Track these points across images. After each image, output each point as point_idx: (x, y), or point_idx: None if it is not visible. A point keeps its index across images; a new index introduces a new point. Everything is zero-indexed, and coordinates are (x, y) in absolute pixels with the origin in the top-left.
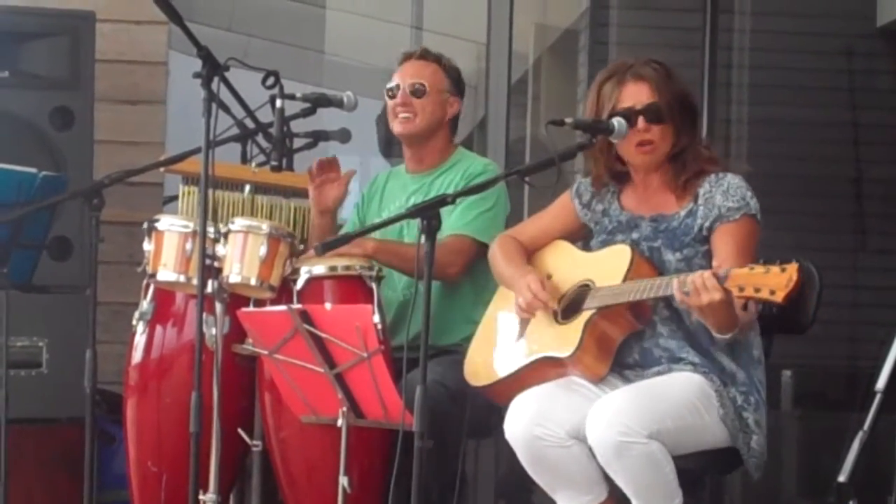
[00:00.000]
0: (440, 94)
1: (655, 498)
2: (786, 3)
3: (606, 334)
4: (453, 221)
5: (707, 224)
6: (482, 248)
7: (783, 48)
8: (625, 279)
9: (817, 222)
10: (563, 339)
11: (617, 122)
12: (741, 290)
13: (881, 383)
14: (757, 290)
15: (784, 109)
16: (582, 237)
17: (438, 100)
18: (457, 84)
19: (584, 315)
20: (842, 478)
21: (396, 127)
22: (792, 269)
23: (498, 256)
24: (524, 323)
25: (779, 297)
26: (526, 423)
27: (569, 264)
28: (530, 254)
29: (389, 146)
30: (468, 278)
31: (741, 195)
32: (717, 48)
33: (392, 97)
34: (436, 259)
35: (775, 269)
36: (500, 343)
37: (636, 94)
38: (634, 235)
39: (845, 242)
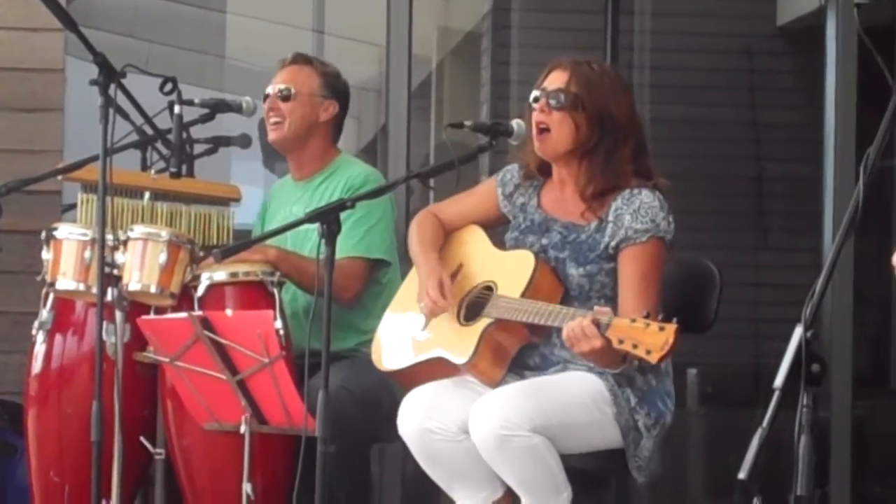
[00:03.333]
0: (310, 97)
1: (541, 491)
2: (686, 3)
3: (502, 344)
4: (343, 243)
5: (613, 243)
6: (376, 263)
7: (684, 48)
8: (523, 293)
9: (719, 221)
10: (461, 344)
11: (516, 124)
12: (620, 342)
13: (779, 380)
14: (634, 347)
15: (685, 109)
16: (503, 224)
17: (308, 102)
18: (332, 87)
19: (482, 323)
20: (742, 475)
21: (270, 135)
22: (670, 330)
23: (414, 237)
24: None
25: (653, 359)
26: (419, 417)
27: (479, 258)
28: (449, 232)
29: (270, 154)
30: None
31: (651, 216)
32: (618, 49)
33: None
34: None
35: (654, 326)
36: (406, 328)
37: (554, 80)
38: (544, 241)
39: (747, 240)
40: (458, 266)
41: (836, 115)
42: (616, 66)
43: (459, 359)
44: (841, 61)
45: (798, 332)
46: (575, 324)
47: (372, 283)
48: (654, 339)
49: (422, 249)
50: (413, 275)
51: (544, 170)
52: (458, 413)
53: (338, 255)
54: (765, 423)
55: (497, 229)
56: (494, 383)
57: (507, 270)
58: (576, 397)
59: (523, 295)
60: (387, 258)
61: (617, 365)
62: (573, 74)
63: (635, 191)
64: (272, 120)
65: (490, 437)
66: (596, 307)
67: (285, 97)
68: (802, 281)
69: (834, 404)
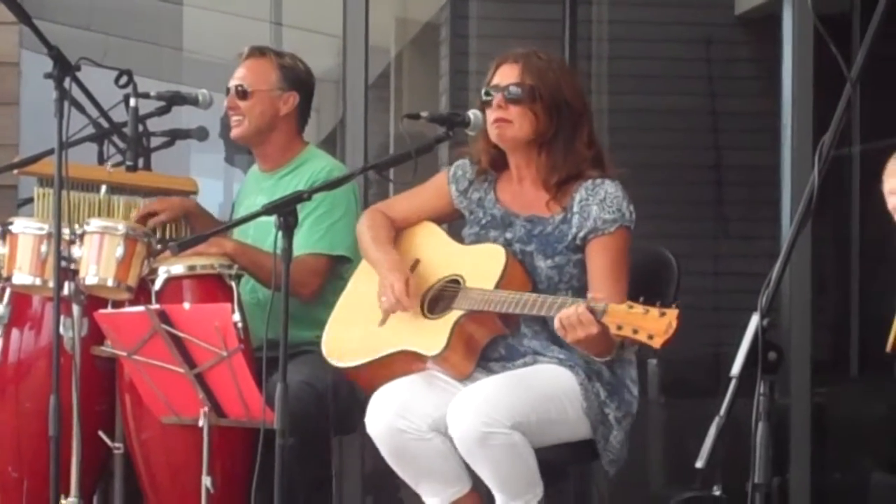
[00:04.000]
0: (268, 92)
1: (517, 488)
2: None
3: (473, 336)
4: (305, 238)
5: (581, 234)
6: (338, 259)
7: (642, 38)
8: (497, 285)
9: (678, 210)
10: (430, 337)
11: (473, 114)
12: (619, 328)
13: (736, 369)
14: (635, 332)
15: (644, 99)
16: (454, 220)
17: (265, 98)
18: (290, 78)
19: (453, 315)
20: (699, 464)
21: (232, 132)
22: (672, 315)
23: (365, 234)
24: None
25: (656, 343)
26: (389, 416)
27: (439, 253)
28: (399, 231)
29: (230, 147)
30: None
31: (617, 205)
32: (576, 39)
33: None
34: (290, 277)
35: (654, 311)
36: (363, 323)
37: (505, 75)
38: (508, 235)
39: (706, 229)
40: (415, 262)
41: (793, 104)
42: (574, 57)
43: (430, 351)
44: (797, 50)
45: (754, 320)
46: (570, 311)
47: (334, 279)
48: (655, 325)
49: (378, 246)
50: (362, 270)
51: (497, 164)
52: (430, 412)
53: (299, 251)
54: (721, 411)
55: (452, 225)
56: (463, 376)
57: (475, 264)
58: (550, 393)
59: (497, 287)
60: (348, 255)
61: (610, 352)
62: (524, 67)
63: (598, 181)
64: (233, 118)
65: (471, 434)
66: (589, 294)
67: (242, 94)
68: (762, 269)
69: (793, 391)
